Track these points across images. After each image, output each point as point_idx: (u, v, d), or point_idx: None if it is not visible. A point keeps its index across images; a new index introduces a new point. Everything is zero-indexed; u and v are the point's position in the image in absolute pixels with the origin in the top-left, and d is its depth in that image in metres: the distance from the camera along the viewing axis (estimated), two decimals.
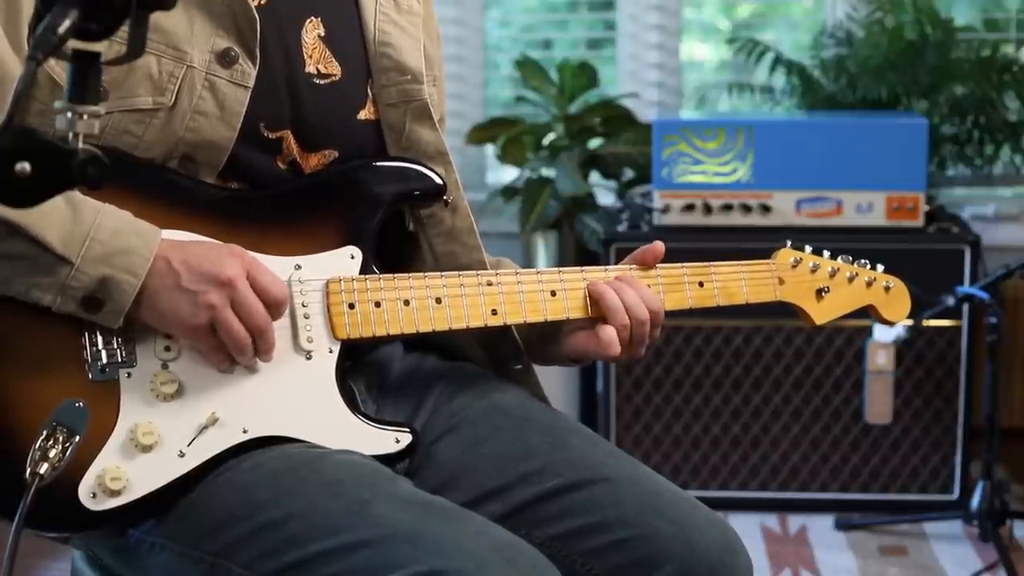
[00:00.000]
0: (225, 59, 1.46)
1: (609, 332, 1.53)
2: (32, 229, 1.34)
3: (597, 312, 1.55)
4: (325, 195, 1.52)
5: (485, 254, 1.64)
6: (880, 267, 1.74)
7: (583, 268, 1.57)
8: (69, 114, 1.03)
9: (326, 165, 1.54)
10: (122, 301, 1.37)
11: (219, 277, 1.38)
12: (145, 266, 1.37)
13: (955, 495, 3.31)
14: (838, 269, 1.70)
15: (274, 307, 1.42)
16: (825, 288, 1.69)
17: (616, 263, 1.65)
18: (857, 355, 3.28)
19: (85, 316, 1.37)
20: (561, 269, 1.57)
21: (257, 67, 1.47)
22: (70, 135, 1.03)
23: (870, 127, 3.27)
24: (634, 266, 1.60)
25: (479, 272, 1.54)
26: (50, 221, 1.34)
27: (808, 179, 3.25)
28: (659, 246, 1.60)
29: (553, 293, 1.55)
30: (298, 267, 1.47)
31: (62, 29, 0.99)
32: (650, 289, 1.57)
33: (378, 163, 1.56)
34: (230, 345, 1.40)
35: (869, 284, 1.72)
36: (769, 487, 3.35)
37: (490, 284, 1.53)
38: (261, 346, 1.42)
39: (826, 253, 1.71)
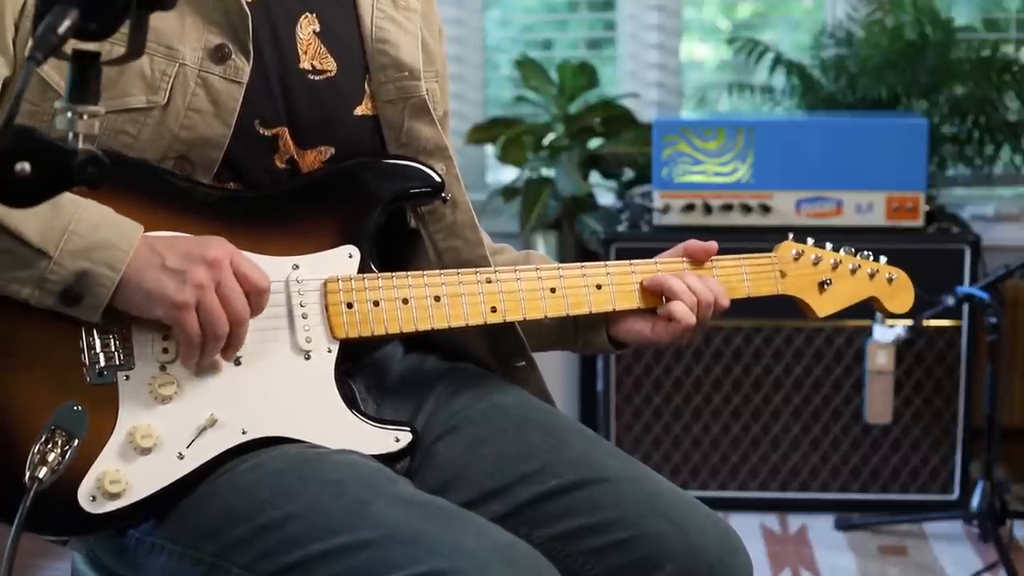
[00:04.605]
0: (218, 55, 1.46)
1: (680, 307, 1.55)
2: (9, 222, 1.33)
3: (648, 303, 1.57)
4: (322, 194, 1.51)
5: (486, 243, 1.64)
6: (883, 259, 1.73)
7: (583, 264, 1.57)
8: (69, 114, 1.03)
9: (323, 162, 1.53)
10: (100, 295, 1.36)
11: (205, 256, 1.37)
12: (124, 259, 1.36)
13: (955, 495, 3.31)
14: (840, 261, 1.69)
15: (255, 295, 1.40)
16: (827, 280, 1.68)
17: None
18: (857, 355, 3.28)
19: (64, 310, 1.36)
20: (561, 265, 1.57)
21: (251, 63, 1.47)
22: (70, 135, 1.03)
23: (870, 127, 3.26)
24: (686, 259, 1.62)
25: (478, 270, 1.54)
26: (28, 214, 1.33)
27: (808, 179, 3.25)
28: (712, 244, 1.62)
29: (552, 290, 1.55)
30: (296, 267, 1.47)
31: (62, 29, 0.99)
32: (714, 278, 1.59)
33: (375, 161, 1.55)
34: (209, 330, 1.38)
35: (872, 276, 1.71)
36: (769, 487, 3.35)
37: (489, 282, 1.53)
38: (233, 340, 1.40)
39: (828, 245, 1.70)
